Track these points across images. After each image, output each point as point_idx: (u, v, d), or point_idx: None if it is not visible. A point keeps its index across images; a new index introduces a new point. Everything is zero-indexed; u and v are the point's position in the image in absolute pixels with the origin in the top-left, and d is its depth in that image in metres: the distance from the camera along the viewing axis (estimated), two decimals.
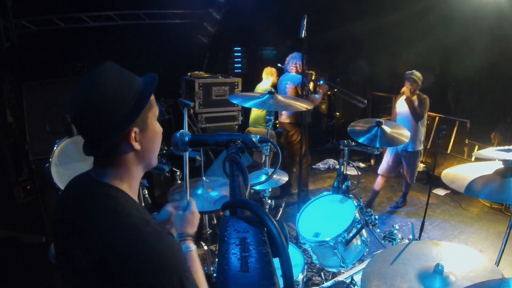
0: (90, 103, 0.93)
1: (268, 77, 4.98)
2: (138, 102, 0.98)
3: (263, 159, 2.86)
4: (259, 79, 5.10)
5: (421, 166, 5.38)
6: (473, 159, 4.81)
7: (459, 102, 6.70)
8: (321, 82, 4.68)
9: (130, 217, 0.91)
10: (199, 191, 2.36)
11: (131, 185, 1.04)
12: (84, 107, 0.94)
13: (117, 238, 0.88)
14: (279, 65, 4.83)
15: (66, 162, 2.48)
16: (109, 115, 0.94)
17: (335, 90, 7.14)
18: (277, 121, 4.78)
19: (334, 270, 2.42)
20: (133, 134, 0.98)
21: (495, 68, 5.43)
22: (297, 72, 4.45)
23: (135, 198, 1.04)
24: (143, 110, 0.98)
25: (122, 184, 1.01)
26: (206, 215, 2.61)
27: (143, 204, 2.53)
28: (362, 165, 6.22)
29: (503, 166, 1.85)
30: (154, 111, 1.05)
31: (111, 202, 0.94)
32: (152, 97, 1.03)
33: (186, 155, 1.69)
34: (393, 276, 1.49)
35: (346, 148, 2.69)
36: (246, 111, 4.88)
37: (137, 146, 1.00)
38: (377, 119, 2.66)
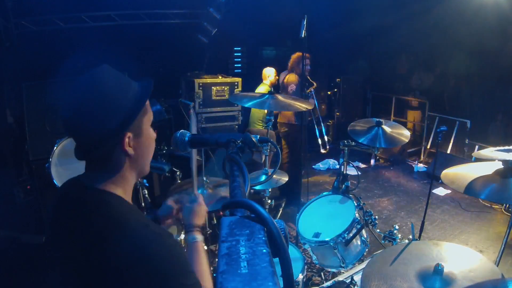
0: (86, 105, 0.91)
1: (267, 77, 4.97)
2: (134, 106, 0.95)
3: (263, 159, 2.86)
4: (259, 79, 5.09)
5: None
6: (473, 159, 4.81)
7: (459, 102, 6.68)
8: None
9: (129, 222, 0.90)
10: (199, 191, 2.35)
11: (125, 190, 1.01)
12: (80, 109, 0.91)
13: (117, 245, 0.85)
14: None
15: (66, 162, 2.48)
16: (105, 119, 0.90)
17: (335, 90, 7.14)
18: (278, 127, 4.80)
19: (334, 270, 2.41)
20: (127, 140, 0.95)
21: (495, 68, 5.42)
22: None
23: (130, 201, 1.02)
24: (138, 115, 0.96)
25: (116, 188, 0.98)
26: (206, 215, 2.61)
27: (143, 204, 2.53)
28: (362, 165, 6.22)
29: (503, 166, 1.85)
30: (149, 116, 1.03)
31: (107, 208, 0.91)
32: (147, 102, 1.01)
33: (193, 151, 1.67)
34: (393, 276, 1.48)
35: (346, 148, 2.69)
36: (246, 111, 4.88)
37: (130, 151, 0.97)
38: (377, 119, 2.66)
